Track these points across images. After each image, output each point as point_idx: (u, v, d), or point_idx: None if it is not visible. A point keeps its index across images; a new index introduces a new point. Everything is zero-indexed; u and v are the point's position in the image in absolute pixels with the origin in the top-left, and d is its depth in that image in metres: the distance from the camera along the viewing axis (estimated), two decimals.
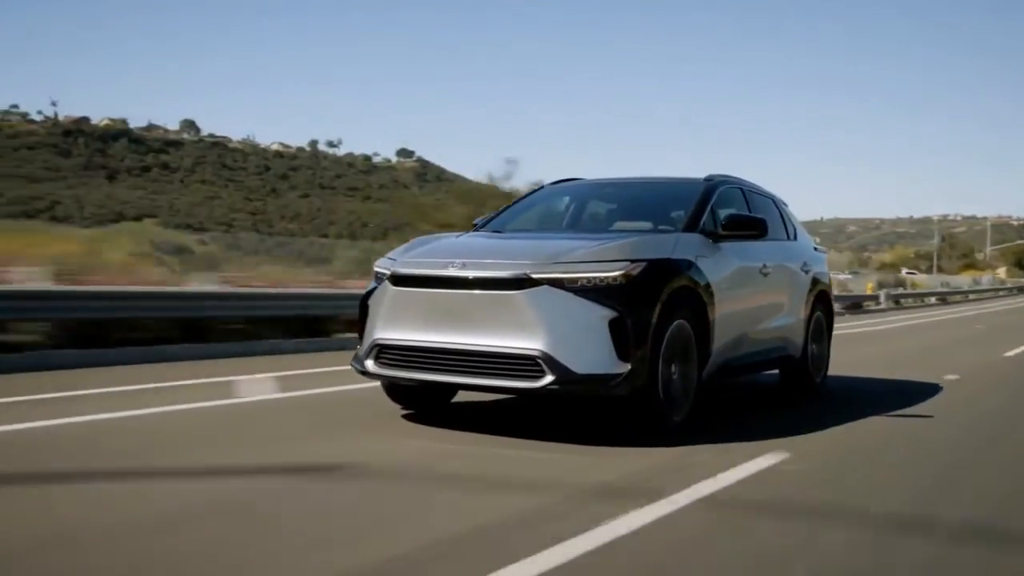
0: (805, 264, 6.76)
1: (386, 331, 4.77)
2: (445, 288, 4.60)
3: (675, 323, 4.69)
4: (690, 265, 4.94)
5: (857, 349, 11.22)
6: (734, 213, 5.70)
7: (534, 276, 4.41)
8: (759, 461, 4.16)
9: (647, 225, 5.77)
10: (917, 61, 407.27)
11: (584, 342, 4.35)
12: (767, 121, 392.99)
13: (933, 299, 33.98)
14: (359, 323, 5.07)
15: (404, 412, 5.25)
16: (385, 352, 4.78)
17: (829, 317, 7.23)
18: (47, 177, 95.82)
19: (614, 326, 4.36)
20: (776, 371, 6.68)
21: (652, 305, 4.51)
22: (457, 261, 4.64)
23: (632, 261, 4.53)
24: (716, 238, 5.39)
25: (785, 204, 7.10)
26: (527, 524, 3.06)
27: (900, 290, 32.80)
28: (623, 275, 4.45)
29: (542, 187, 6.78)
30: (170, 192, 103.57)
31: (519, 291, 4.40)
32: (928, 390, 7.10)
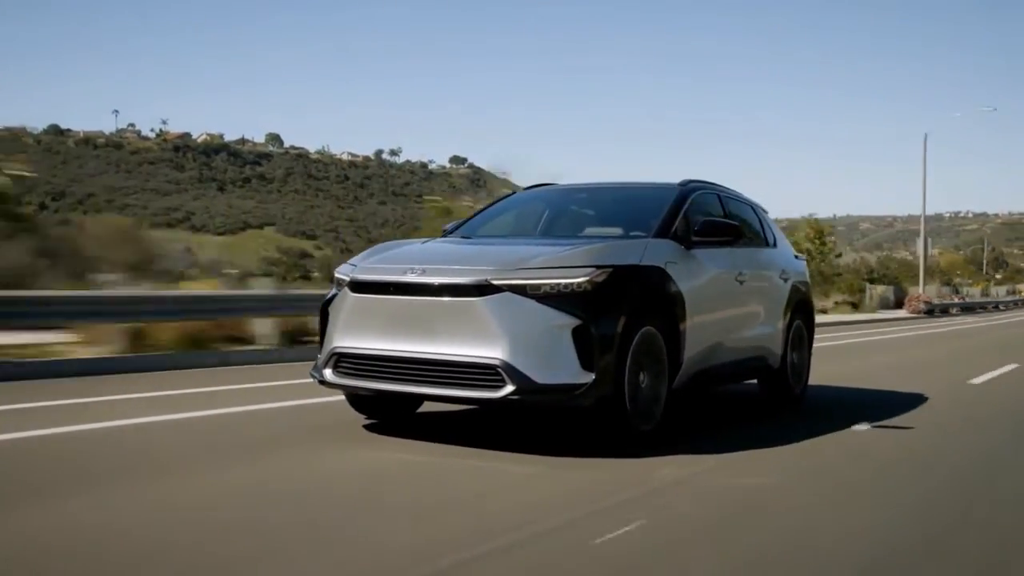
0: (784, 272, 6.61)
1: (345, 339, 4.65)
2: (404, 295, 4.47)
3: (643, 331, 4.54)
4: (659, 272, 4.80)
5: None
6: (708, 219, 5.55)
7: (495, 283, 4.27)
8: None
9: (619, 231, 5.63)
10: (929, 58, 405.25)
11: (546, 351, 4.21)
12: (780, 119, 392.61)
13: None
14: (319, 331, 4.95)
15: (366, 422, 5.13)
16: (343, 361, 4.66)
17: (809, 326, 7.07)
18: (171, 190, 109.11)
19: (577, 334, 4.22)
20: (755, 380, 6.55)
21: (617, 313, 4.37)
22: (417, 267, 4.51)
23: (597, 267, 4.39)
24: (689, 244, 5.25)
25: (765, 211, 6.97)
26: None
27: None
28: (587, 282, 4.32)
29: (514, 192, 6.65)
30: (270, 201, 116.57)
31: (479, 298, 4.26)
32: None
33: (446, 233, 6.04)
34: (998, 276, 76.88)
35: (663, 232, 5.19)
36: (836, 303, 33.53)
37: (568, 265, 4.38)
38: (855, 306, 33.93)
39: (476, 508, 3.40)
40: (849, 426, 5.55)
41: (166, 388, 6.63)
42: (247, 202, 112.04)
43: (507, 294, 4.24)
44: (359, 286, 4.66)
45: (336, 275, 4.95)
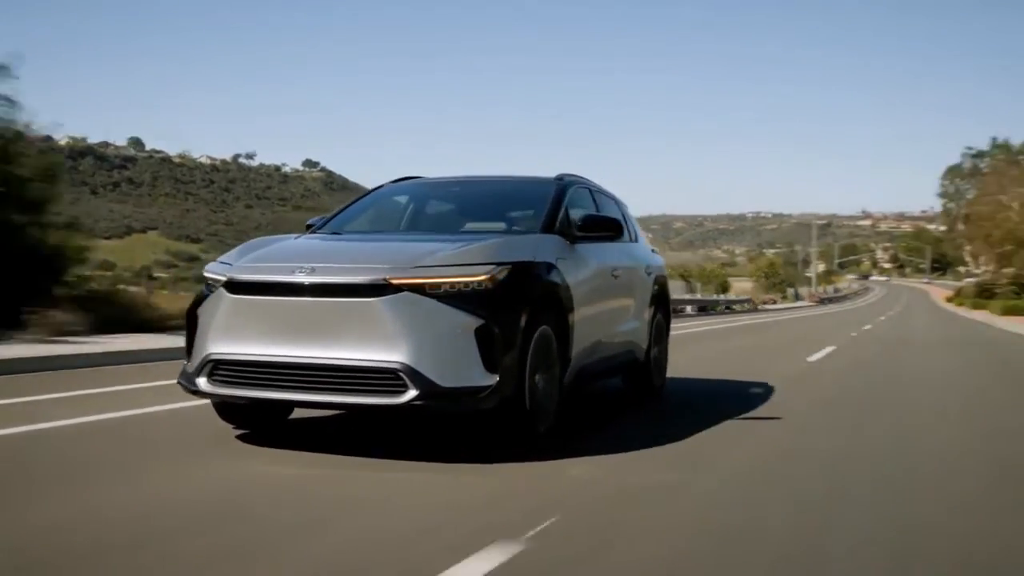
0: (648, 267, 6.74)
1: (221, 345, 4.23)
2: (292, 296, 4.12)
3: (540, 329, 4.44)
4: (551, 268, 4.71)
5: None
6: (591, 214, 5.56)
7: (394, 281, 4.02)
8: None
9: (500, 226, 5.52)
10: (739, 56, 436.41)
11: (449, 353, 4.01)
12: (602, 115, 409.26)
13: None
14: (187, 336, 4.49)
15: (238, 433, 4.72)
16: (221, 368, 4.24)
17: (667, 320, 7.25)
18: None
19: (480, 335, 4.04)
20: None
21: (519, 311, 4.24)
22: (305, 265, 4.16)
23: (497, 264, 4.23)
24: (572, 239, 5.21)
25: (625, 205, 7.04)
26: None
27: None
28: (488, 279, 4.15)
29: (382, 186, 6.32)
30: (144, 205, 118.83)
31: (377, 298, 3.99)
32: None
33: (313, 229, 5.66)
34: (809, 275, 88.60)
35: (549, 227, 5.12)
36: (776, 299, 62.77)
37: (467, 262, 4.20)
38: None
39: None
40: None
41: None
42: (125, 206, 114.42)
43: (406, 294, 4.00)
44: (238, 286, 4.25)
45: (207, 275, 4.50)
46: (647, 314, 6.60)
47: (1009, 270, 46.33)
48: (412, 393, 3.93)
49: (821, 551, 2.99)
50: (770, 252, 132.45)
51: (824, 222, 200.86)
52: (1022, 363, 12.66)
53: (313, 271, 4.11)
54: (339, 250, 4.74)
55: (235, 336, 4.20)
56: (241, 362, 4.18)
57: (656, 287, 6.83)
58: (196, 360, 4.32)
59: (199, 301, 4.45)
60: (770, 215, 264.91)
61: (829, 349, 13.35)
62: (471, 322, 4.04)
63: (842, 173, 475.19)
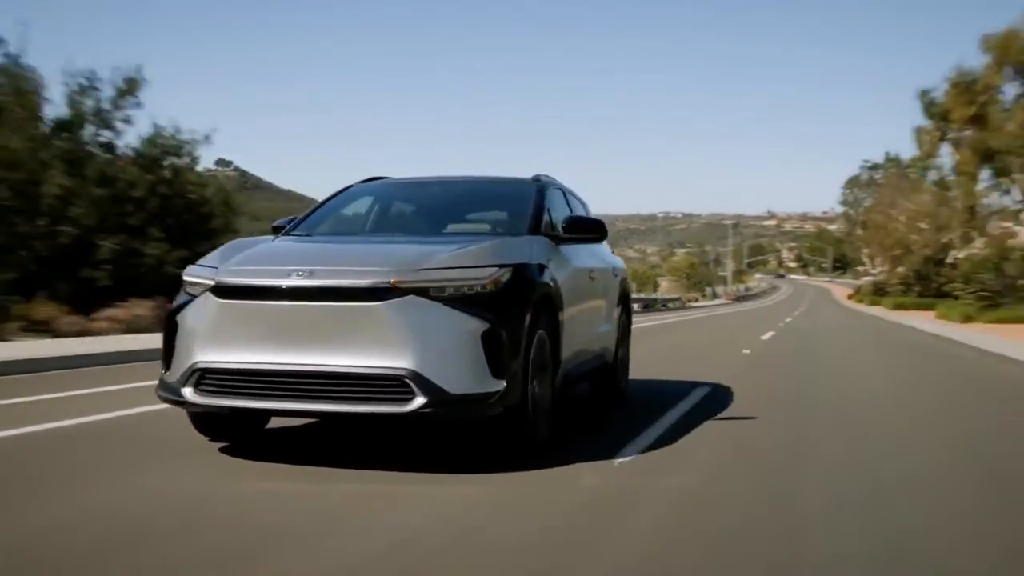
0: (614, 268, 6.72)
1: (209, 353, 3.96)
2: (287, 300, 3.89)
3: (538, 333, 4.34)
4: (543, 270, 4.61)
5: None
6: (577, 216, 5.50)
7: (398, 284, 3.84)
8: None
9: (483, 227, 5.40)
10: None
11: (456, 358, 3.85)
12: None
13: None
14: (164, 344, 4.20)
15: (220, 445, 4.47)
16: (209, 378, 3.98)
17: (629, 321, 7.27)
18: None
19: (487, 339, 3.90)
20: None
21: (522, 314, 4.12)
22: (302, 268, 3.94)
23: (499, 266, 4.10)
24: (557, 241, 5.13)
25: (588, 205, 6.91)
26: None
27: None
28: (492, 281, 4.01)
29: (350, 186, 6.03)
30: None
31: (381, 302, 3.81)
32: None
33: (281, 230, 5.36)
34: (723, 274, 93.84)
35: (535, 228, 5.02)
36: (698, 297, 70.13)
37: (470, 264, 4.06)
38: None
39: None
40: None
41: None
42: None
43: (411, 297, 3.84)
44: (227, 291, 3.99)
45: (188, 279, 4.21)
46: (615, 316, 6.60)
47: (900, 270, 52.50)
48: (420, 400, 3.78)
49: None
50: (681, 252, 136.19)
51: (732, 222, 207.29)
52: (907, 338, 19.18)
53: (311, 274, 3.90)
54: (333, 252, 4.52)
55: (224, 343, 3.95)
56: (232, 371, 3.93)
57: (621, 289, 6.84)
58: (179, 369, 4.05)
59: (180, 307, 4.17)
60: (680, 215, 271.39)
61: (771, 333, 18.41)
62: (477, 326, 3.90)
63: (748, 173, 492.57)
